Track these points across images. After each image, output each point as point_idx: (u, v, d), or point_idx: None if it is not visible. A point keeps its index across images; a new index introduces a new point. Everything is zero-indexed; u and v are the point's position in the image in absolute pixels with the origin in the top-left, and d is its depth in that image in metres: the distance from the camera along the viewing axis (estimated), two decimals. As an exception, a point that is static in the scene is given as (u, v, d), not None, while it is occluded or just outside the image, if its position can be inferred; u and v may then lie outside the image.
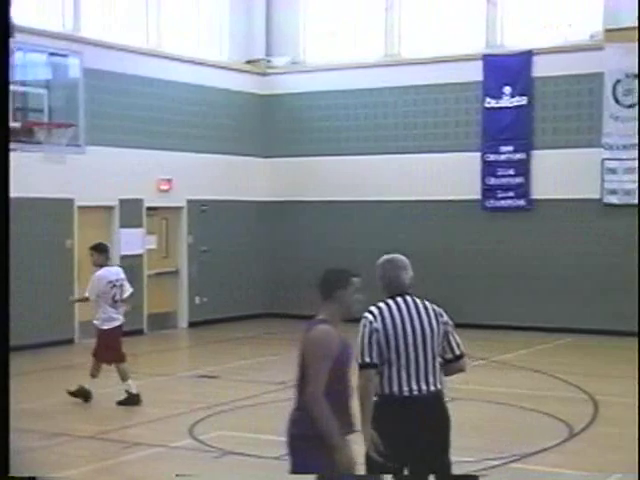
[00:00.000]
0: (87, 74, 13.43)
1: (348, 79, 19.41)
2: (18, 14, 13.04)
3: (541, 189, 17.84)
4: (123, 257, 17.25)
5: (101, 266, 11.28)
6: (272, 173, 20.20)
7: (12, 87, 11.84)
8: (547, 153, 17.78)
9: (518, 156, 18.05)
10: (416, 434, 5.28)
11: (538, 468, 8.37)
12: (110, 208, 17.12)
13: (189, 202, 18.65)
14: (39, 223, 15.55)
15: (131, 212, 17.39)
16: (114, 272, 11.42)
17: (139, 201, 17.56)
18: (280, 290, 20.04)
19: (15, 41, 12.33)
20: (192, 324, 18.67)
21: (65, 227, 16.15)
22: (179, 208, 18.56)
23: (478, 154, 18.34)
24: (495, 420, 10.58)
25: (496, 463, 8.39)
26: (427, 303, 5.55)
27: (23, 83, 12.14)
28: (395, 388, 5.33)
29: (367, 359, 5.30)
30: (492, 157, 18.24)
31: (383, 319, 5.36)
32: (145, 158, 17.54)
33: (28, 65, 12.31)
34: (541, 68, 17.78)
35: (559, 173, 17.59)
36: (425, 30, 19.10)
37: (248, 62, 20.10)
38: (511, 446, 9.04)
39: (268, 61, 20.26)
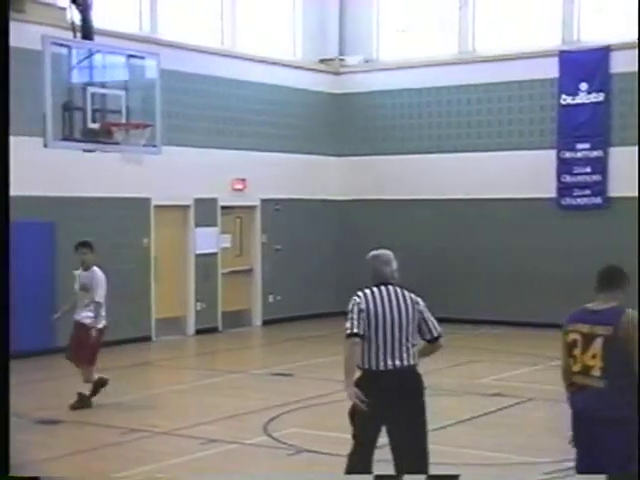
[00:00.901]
0: (164, 75, 13.60)
1: (422, 77, 19.33)
2: (97, 17, 13.31)
3: (618, 187, 17.53)
4: (198, 256, 17.50)
5: (88, 267, 10.89)
6: (345, 172, 20.23)
7: (91, 89, 12.10)
8: (625, 150, 17.44)
9: (595, 153, 17.77)
10: (392, 401, 6.13)
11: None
12: (185, 207, 17.35)
13: (263, 201, 18.80)
14: (117, 222, 15.83)
15: (206, 211, 17.60)
16: None
17: (214, 200, 17.77)
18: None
19: (94, 43, 12.65)
20: (266, 322, 18.81)
21: (142, 226, 16.43)
22: (253, 207, 18.72)
23: (554, 152, 18.11)
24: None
25: (571, 465, 8.28)
26: (405, 292, 6.38)
27: (102, 85, 12.35)
28: (373, 363, 6.19)
29: (356, 330, 6.22)
30: (568, 155, 17.99)
31: (367, 302, 6.32)
32: (220, 158, 17.74)
33: (107, 67, 12.53)
34: (619, 64, 17.46)
35: (637, 170, 17.24)
36: (499, 27, 18.92)
37: (321, 61, 20.17)
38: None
39: (341, 60, 20.29)
